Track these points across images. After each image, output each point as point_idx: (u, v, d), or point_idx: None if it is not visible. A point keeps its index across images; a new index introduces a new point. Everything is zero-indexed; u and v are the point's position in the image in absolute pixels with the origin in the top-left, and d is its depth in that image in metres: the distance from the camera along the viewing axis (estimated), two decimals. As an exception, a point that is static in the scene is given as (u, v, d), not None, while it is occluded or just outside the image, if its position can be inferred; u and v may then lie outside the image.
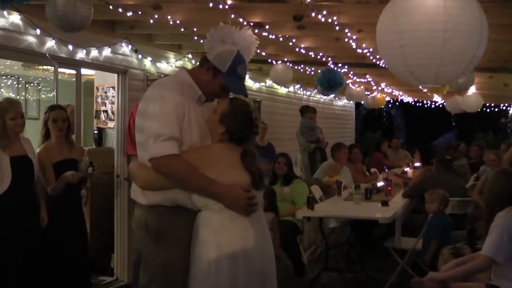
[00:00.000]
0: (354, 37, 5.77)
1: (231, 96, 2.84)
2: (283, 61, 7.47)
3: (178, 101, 2.63)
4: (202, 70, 2.79)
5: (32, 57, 5.05)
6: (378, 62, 7.10)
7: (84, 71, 5.76)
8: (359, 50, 6.41)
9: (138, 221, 2.74)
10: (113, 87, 6.24)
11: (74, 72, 5.51)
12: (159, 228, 2.67)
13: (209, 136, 2.74)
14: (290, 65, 7.61)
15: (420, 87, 8.68)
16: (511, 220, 3.52)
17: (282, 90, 10.99)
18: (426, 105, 16.14)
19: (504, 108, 15.94)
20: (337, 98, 14.74)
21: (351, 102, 15.75)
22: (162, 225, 2.66)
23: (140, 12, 4.92)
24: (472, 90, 9.56)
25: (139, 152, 2.72)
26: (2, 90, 7.07)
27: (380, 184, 7.15)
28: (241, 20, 4.83)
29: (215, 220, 2.60)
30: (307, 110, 8.98)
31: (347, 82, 9.93)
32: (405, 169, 9.18)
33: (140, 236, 2.74)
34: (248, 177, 2.64)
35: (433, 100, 14.37)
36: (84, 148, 5.21)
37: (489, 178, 3.95)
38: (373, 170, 9.24)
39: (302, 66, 8.18)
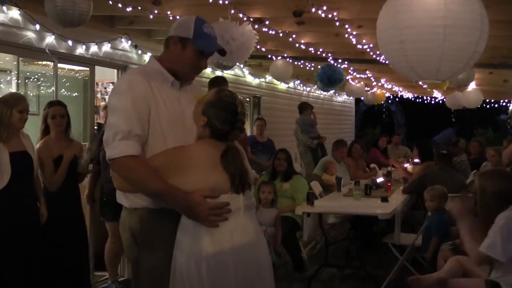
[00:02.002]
0: (354, 33, 5.77)
1: (219, 88, 2.62)
2: (283, 57, 7.46)
3: (140, 92, 2.43)
4: (170, 50, 2.65)
5: (32, 52, 5.04)
6: (378, 58, 7.10)
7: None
8: (359, 46, 6.41)
9: (123, 225, 2.60)
10: (113, 83, 6.23)
11: (74, 67, 5.50)
12: (143, 232, 2.50)
13: (183, 123, 2.53)
14: (290, 60, 7.61)
15: (420, 83, 8.67)
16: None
17: (282, 85, 10.99)
18: (426, 101, 16.14)
19: (504, 104, 15.94)
20: (337, 94, 14.75)
21: (351, 98, 15.75)
22: (146, 228, 2.49)
23: (139, 8, 4.92)
24: (472, 86, 9.56)
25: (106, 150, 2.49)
26: (1, 85, 7.05)
27: (379, 180, 7.15)
28: (241, 15, 4.82)
29: (189, 224, 2.37)
30: (306, 107, 9.01)
31: (347, 78, 9.93)
32: (405, 165, 9.18)
33: (125, 240, 2.60)
34: (227, 180, 2.37)
35: (433, 96, 14.38)
36: (84, 144, 5.20)
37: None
38: (372, 166, 9.25)
39: (302, 61, 8.18)
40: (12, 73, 5.57)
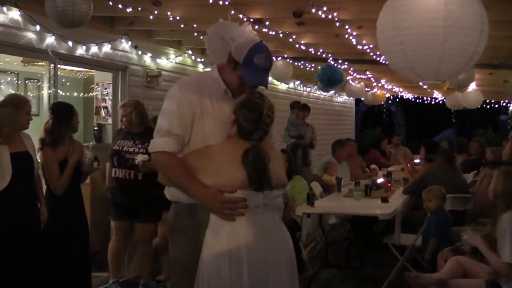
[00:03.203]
0: (354, 33, 5.77)
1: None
2: (283, 57, 7.46)
3: (187, 97, 2.63)
4: (226, 64, 2.75)
5: (32, 53, 5.04)
6: (378, 59, 7.10)
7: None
8: (359, 47, 6.41)
9: (169, 216, 2.80)
10: (113, 83, 6.24)
11: (75, 69, 5.50)
12: (175, 224, 2.70)
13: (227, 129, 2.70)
14: (290, 61, 7.61)
15: (420, 83, 8.67)
16: None
17: (282, 86, 10.98)
18: (426, 102, 16.13)
19: (504, 104, 15.93)
20: (337, 95, 14.74)
21: (351, 98, 15.75)
22: (178, 221, 2.69)
23: (139, 8, 4.92)
24: (472, 86, 9.55)
25: None
26: (1, 86, 7.07)
27: (380, 180, 7.15)
28: (241, 16, 4.82)
29: (212, 220, 2.52)
30: (294, 106, 8.90)
31: (347, 78, 9.92)
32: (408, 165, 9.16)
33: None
34: (244, 177, 2.48)
35: (433, 96, 14.37)
36: (85, 144, 5.21)
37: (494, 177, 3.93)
38: (373, 166, 9.25)
39: (302, 62, 8.18)
40: (13, 74, 5.58)
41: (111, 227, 5.28)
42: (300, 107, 8.92)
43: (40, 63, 6.44)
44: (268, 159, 2.52)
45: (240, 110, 2.55)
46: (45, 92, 5.30)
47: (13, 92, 6.98)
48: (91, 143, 6.23)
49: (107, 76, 6.38)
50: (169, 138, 2.59)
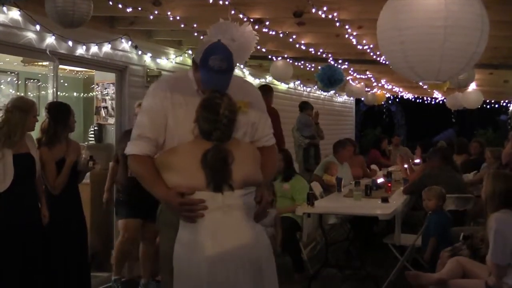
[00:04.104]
0: (354, 33, 5.77)
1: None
2: (283, 57, 7.46)
3: (157, 100, 2.64)
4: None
5: (32, 53, 5.04)
6: (378, 59, 7.10)
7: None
8: (359, 47, 6.41)
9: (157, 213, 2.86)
10: (113, 83, 6.23)
11: (75, 69, 5.51)
12: (160, 220, 2.77)
13: None
14: (290, 61, 7.61)
15: (421, 83, 8.66)
16: (504, 223, 3.59)
17: (282, 86, 10.98)
18: (426, 102, 16.13)
19: (504, 104, 15.93)
20: (337, 95, 14.74)
21: (351, 98, 15.74)
22: (163, 217, 2.74)
23: (140, 8, 4.92)
24: (472, 86, 9.55)
25: None
26: (1, 86, 7.07)
27: (380, 180, 7.15)
28: (241, 16, 4.82)
29: (177, 219, 2.57)
30: (306, 107, 9.10)
31: (347, 78, 9.92)
32: (405, 166, 9.17)
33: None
34: (203, 178, 2.45)
35: (433, 96, 14.37)
36: (82, 144, 5.22)
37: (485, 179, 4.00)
38: (373, 167, 9.25)
39: (302, 62, 8.17)
40: (13, 74, 5.58)
41: (115, 228, 5.28)
42: (311, 108, 9.09)
43: (41, 63, 6.45)
44: (232, 159, 2.48)
45: (200, 111, 2.52)
46: (49, 92, 5.30)
47: (13, 92, 6.99)
48: (86, 143, 6.23)
49: (107, 76, 6.38)
50: (140, 141, 2.63)
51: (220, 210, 2.47)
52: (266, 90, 7.00)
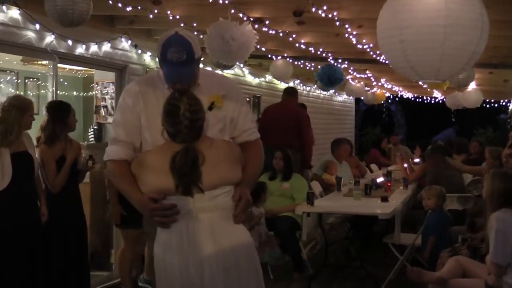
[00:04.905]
0: (354, 32, 5.76)
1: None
2: (283, 57, 7.45)
3: (129, 102, 2.60)
4: None
5: (32, 52, 5.03)
6: (378, 58, 7.09)
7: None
8: (359, 46, 6.40)
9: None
10: (113, 83, 6.23)
11: (75, 68, 5.50)
12: (146, 222, 2.76)
13: None
14: (290, 60, 7.60)
15: (420, 82, 8.67)
16: (504, 222, 3.60)
17: (282, 85, 10.96)
18: (426, 101, 16.12)
19: (504, 104, 15.92)
20: (337, 94, 14.73)
21: (351, 97, 15.74)
22: (148, 220, 2.65)
23: (139, 7, 4.91)
24: (472, 86, 9.54)
25: None
26: (1, 85, 7.06)
27: (379, 180, 7.15)
28: (241, 15, 4.81)
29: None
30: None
31: (347, 77, 9.92)
32: (405, 165, 9.17)
33: None
34: (171, 182, 2.37)
35: (433, 96, 14.36)
36: (82, 143, 5.21)
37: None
38: (372, 166, 9.26)
39: (302, 61, 8.17)
40: (12, 73, 5.57)
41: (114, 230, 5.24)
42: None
43: (40, 62, 6.44)
44: (203, 160, 2.38)
45: (162, 114, 2.44)
46: (49, 91, 5.29)
47: (12, 91, 6.98)
48: (85, 142, 6.23)
49: (107, 75, 6.37)
50: (116, 146, 2.60)
51: (191, 213, 2.42)
52: (294, 92, 7.40)
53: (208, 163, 2.40)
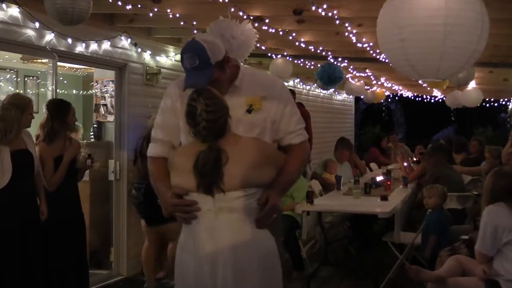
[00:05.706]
0: (354, 31, 5.76)
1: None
2: (282, 55, 7.45)
3: (168, 103, 2.68)
4: None
5: (32, 50, 5.03)
6: (378, 57, 7.09)
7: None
8: (359, 45, 6.39)
9: None
10: (113, 81, 6.23)
11: (75, 66, 5.49)
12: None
13: None
14: (290, 59, 7.59)
15: (420, 81, 8.66)
16: (495, 214, 3.64)
17: (282, 84, 10.97)
18: (425, 100, 16.12)
19: (503, 103, 15.92)
20: (336, 93, 14.72)
21: (351, 96, 15.73)
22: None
23: (139, 6, 4.90)
24: (472, 85, 9.54)
25: None
26: (1, 83, 7.06)
27: (379, 178, 7.15)
28: (241, 13, 4.81)
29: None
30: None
31: (347, 76, 9.91)
32: (405, 164, 9.17)
33: None
34: (194, 180, 2.41)
35: (433, 95, 14.35)
36: (81, 142, 5.21)
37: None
38: (372, 165, 9.26)
39: (302, 60, 8.16)
40: (12, 71, 5.57)
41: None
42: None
43: (40, 60, 6.43)
44: (226, 159, 2.37)
45: (184, 115, 2.49)
46: (49, 90, 5.29)
47: (12, 89, 6.98)
48: (84, 141, 6.23)
49: (107, 74, 6.37)
50: (155, 144, 2.69)
51: (211, 212, 2.41)
52: (291, 93, 7.12)
53: (232, 163, 2.39)
